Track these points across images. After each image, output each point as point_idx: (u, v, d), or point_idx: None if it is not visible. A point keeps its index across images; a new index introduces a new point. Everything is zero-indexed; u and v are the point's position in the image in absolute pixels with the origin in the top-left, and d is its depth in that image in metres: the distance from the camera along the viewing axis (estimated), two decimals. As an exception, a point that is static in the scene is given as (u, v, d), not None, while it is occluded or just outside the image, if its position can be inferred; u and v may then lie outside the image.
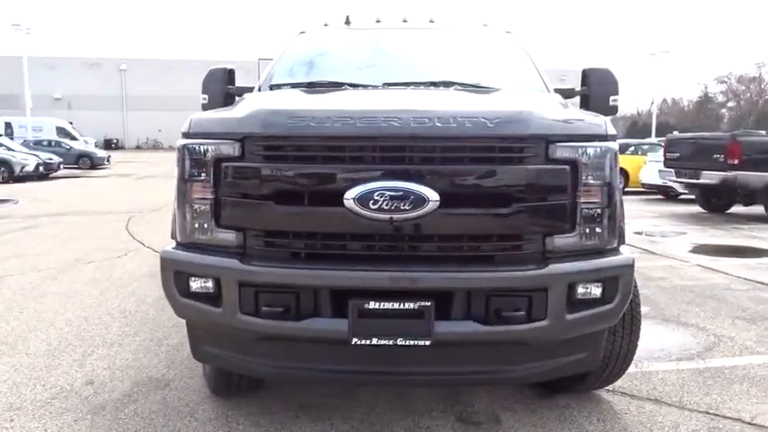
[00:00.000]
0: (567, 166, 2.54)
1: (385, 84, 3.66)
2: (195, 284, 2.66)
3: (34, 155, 24.10)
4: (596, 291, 2.62)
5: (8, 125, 37.48)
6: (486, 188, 2.49)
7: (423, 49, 4.25)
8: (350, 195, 2.43)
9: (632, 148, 18.54)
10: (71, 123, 40.05)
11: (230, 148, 2.60)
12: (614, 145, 2.66)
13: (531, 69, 4.05)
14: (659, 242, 8.91)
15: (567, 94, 4.12)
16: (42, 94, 51.06)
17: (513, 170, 2.50)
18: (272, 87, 3.92)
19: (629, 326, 3.09)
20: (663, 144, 14.36)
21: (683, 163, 12.23)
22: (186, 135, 2.71)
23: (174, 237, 2.79)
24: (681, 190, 14.12)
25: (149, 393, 3.39)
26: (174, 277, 2.68)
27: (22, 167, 22.36)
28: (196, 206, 2.67)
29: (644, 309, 5.09)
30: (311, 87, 3.66)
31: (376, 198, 2.42)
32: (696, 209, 13.04)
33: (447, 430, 2.98)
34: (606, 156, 2.61)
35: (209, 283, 2.63)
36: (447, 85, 3.56)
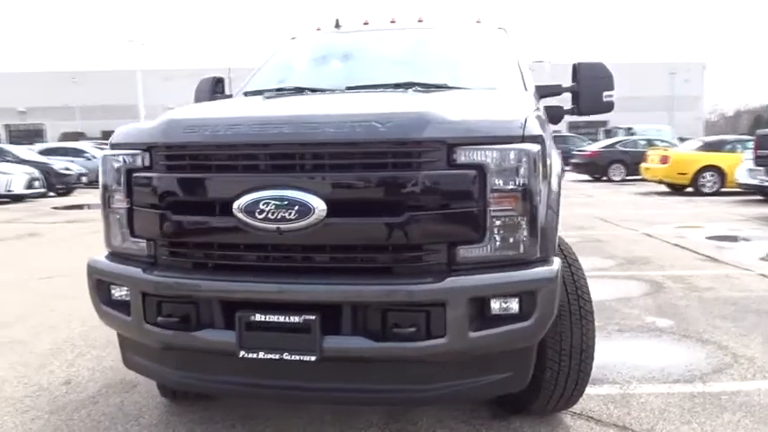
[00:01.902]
0: (472, 172, 2.34)
1: (348, 87, 3.59)
2: (114, 293, 2.72)
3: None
4: (510, 306, 2.40)
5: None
6: (379, 196, 2.34)
7: (401, 51, 4.10)
8: (238, 205, 2.37)
9: (729, 146, 17.09)
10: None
11: (140, 159, 2.62)
12: (533, 147, 2.41)
13: (510, 66, 3.80)
14: (729, 248, 8.13)
15: (552, 91, 3.86)
16: (157, 104, 54.81)
17: (409, 176, 2.33)
18: (246, 94, 3.95)
19: (578, 343, 2.81)
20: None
21: (775, 160, 11.10)
22: (110, 145, 2.78)
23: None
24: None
25: (111, 396, 3.50)
26: (96, 285, 2.75)
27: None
28: (115, 216, 2.72)
29: (666, 323, 4.68)
30: (277, 93, 3.65)
31: (262, 207, 2.34)
32: (795, 211, 11.79)
33: (375, 450, 2.85)
34: (521, 159, 2.38)
35: (124, 292, 2.67)
36: (408, 86, 3.41)
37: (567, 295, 2.83)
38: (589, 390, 3.38)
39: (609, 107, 3.81)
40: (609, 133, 31.58)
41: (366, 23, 4.50)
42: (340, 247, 2.40)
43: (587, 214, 11.94)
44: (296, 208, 2.32)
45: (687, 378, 3.60)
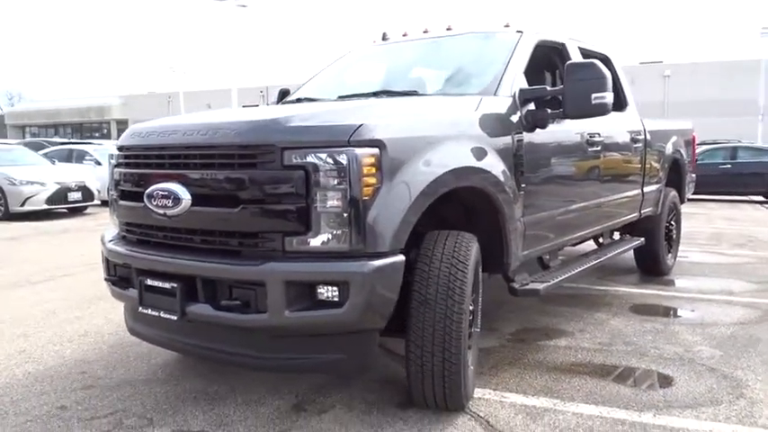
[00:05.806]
0: (299, 172, 2.70)
1: (339, 96, 4.08)
2: None
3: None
4: (327, 293, 2.70)
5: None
6: (224, 190, 2.86)
7: (410, 61, 4.40)
8: (146, 194, 3.08)
9: None
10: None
11: (116, 157, 3.50)
12: (362, 150, 2.69)
13: (494, 71, 3.87)
14: None
15: (536, 94, 3.81)
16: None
17: (248, 175, 2.79)
18: (284, 103, 4.65)
19: (439, 342, 2.91)
20: None
21: None
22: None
23: None
24: None
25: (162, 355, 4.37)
26: (101, 251, 3.71)
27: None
28: (111, 200, 3.65)
29: (712, 353, 4.19)
30: (296, 102, 4.31)
31: (155, 196, 3.02)
32: None
33: (277, 413, 3.26)
34: (344, 162, 2.66)
35: None
36: (381, 94, 3.80)
37: (436, 294, 2.93)
38: (515, 397, 3.39)
39: (599, 109, 3.63)
40: None
41: (405, 35, 4.83)
42: (205, 231, 2.95)
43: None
44: (172, 198, 2.94)
45: (642, 408, 3.26)
